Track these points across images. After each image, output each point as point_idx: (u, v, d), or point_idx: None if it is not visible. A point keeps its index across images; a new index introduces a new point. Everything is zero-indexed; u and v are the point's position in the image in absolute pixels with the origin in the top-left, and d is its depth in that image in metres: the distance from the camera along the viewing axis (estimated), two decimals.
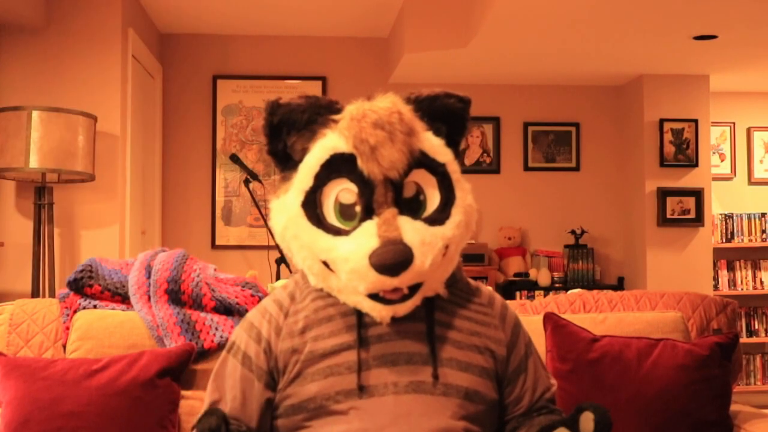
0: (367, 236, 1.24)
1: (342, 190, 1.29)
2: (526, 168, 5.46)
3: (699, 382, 1.88)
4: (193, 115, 5.22)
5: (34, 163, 3.39)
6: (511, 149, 5.46)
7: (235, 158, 4.82)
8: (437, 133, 1.36)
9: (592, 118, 5.53)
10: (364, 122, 1.26)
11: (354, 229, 1.26)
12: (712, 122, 5.37)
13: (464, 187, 1.36)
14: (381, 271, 1.21)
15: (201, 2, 4.58)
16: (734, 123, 5.77)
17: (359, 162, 1.26)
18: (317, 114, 1.33)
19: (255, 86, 5.24)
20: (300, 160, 1.32)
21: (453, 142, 1.39)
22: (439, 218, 1.30)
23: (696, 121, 5.17)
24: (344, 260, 1.25)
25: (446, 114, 1.39)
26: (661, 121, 5.15)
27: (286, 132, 1.34)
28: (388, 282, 1.23)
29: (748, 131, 5.80)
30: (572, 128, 5.49)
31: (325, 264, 1.30)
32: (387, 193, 1.26)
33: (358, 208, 1.28)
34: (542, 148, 5.48)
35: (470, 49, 4.40)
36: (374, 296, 1.27)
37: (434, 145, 1.34)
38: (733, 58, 4.72)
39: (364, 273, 1.23)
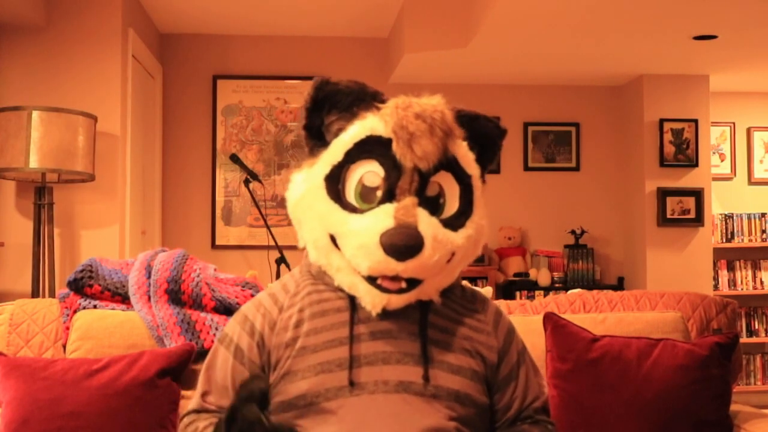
0: (383, 216, 1.25)
1: (368, 172, 1.30)
2: (526, 168, 5.46)
3: (699, 382, 1.88)
4: (193, 115, 5.22)
5: (34, 163, 3.39)
6: (511, 149, 5.46)
7: (235, 158, 4.82)
8: (470, 149, 1.38)
9: (592, 118, 5.53)
10: (408, 111, 1.29)
11: (370, 210, 1.28)
12: (712, 122, 5.37)
13: (482, 208, 1.38)
14: (390, 251, 1.22)
15: (201, 2, 4.58)
16: (734, 123, 5.77)
17: (394, 146, 1.28)
18: (361, 100, 1.35)
19: (255, 86, 5.24)
20: (332, 140, 1.34)
21: (480, 164, 1.41)
22: (453, 224, 1.31)
23: (696, 121, 5.17)
24: (355, 234, 1.26)
25: (482, 136, 1.42)
26: (661, 121, 5.15)
27: (327, 110, 1.36)
28: (392, 265, 1.24)
29: (748, 131, 5.80)
30: (572, 128, 5.49)
31: (333, 240, 1.30)
32: (412, 183, 1.28)
33: (379, 193, 1.29)
34: (542, 148, 5.48)
35: (470, 49, 4.40)
36: (372, 281, 1.27)
37: (467, 155, 1.36)
38: (733, 58, 4.72)
39: (372, 250, 1.24)
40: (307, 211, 1.34)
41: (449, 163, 1.32)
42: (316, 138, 1.38)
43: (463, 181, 1.35)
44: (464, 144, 1.36)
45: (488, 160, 1.45)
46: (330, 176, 1.32)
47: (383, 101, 1.35)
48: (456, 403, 1.30)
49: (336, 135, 1.34)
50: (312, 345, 1.31)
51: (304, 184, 1.35)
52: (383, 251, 1.23)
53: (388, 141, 1.29)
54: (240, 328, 1.38)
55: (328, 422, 1.26)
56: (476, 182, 1.37)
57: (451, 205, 1.33)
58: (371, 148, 1.30)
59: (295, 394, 1.29)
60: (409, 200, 1.26)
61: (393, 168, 1.28)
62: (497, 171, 5.42)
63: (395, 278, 1.27)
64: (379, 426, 1.24)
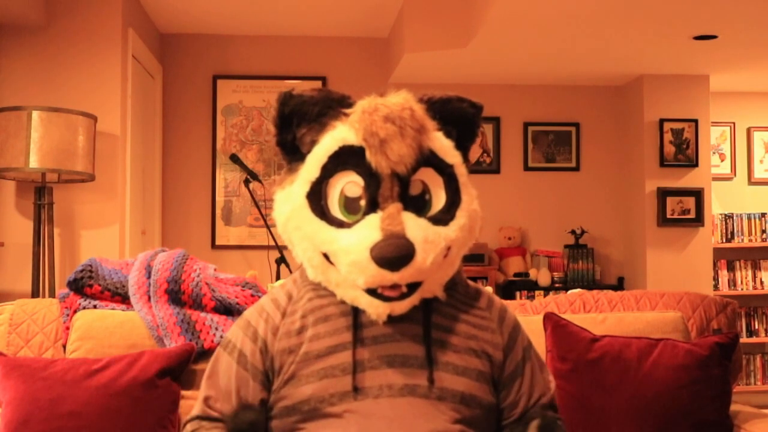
0: (369, 229, 1.23)
1: (348, 183, 1.28)
2: (526, 168, 5.46)
3: (699, 382, 1.88)
4: (193, 115, 5.22)
5: (34, 163, 3.39)
6: (511, 149, 5.46)
7: (235, 158, 4.82)
8: (448, 135, 1.36)
9: (592, 118, 5.53)
10: (375, 116, 1.26)
11: (357, 222, 1.26)
12: (712, 122, 5.37)
13: (470, 192, 1.35)
14: (381, 264, 1.21)
15: (201, 2, 4.58)
16: (734, 123, 5.77)
17: (368, 154, 1.26)
18: (329, 107, 1.32)
19: (255, 86, 5.24)
20: (308, 153, 1.32)
21: (462, 147, 1.38)
22: (443, 219, 1.29)
23: (696, 121, 5.17)
24: (345, 252, 1.24)
25: (457, 118, 1.40)
26: (661, 121, 5.15)
27: (296, 123, 1.34)
28: (387, 276, 1.22)
29: (748, 131, 5.80)
30: (572, 128, 5.49)
31: (326, 257, 1.29)
32: (393, 188, 1.26)
33: (362, 202, 1.27)
34: (542, 148, 5.48)
35: (470, 49, 4.40)
36: (372, 292, 1.26)
37: (444, 146, 1.33)
38: (733, 58, 4.72)
39: (364, 266, 1.22)
40: (295, 232, 1.32)
41: (427, 159, 1.29)
42: (292, 152, 1.36)
43: (445, 171, 1.32)
44: (439, 134, 1.34)
45: (470, 141, 1.42)
46: (311, 194, 1.29)
47: (350, 105, 1.33)
48: (462, 404, 1.29)
49: (310, 147, 1.32)
50: (315, 350, 1.30)
51: (287, 203, 1.33)
52: (376, 265, 1.21)
53: (361, 149, 1.26)
54: (243, 334, 1.37)
55: (333, 427, 1.25)
56: (459, 169, 1.34)
57: (438, 199, 1.31)
58: (346, 159, 1.28)
59: (299, 399, 1.28)
60: (393, 207, 1.24)
61: (371, 176, 1.26)
62: (497, 171, 5.42)
63: (395, 286, 1.25)
64: (384, 431, 1.24)
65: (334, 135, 1.29)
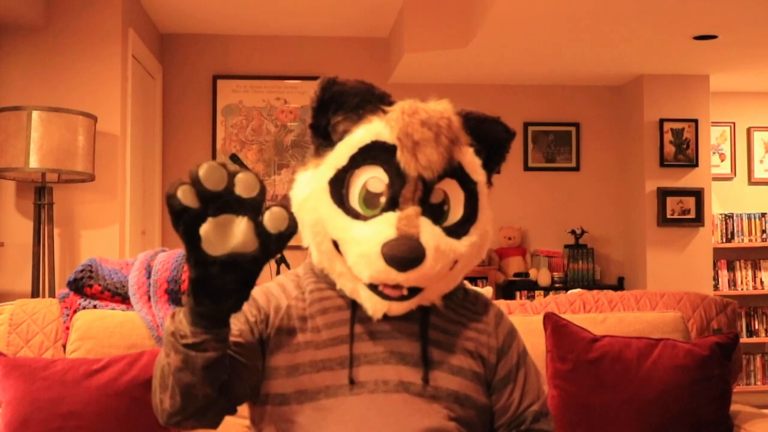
0: (385, 225, 1.24)
1: (372, 178, 1.29)
2: (526, 168, 5.47)
3: (699, 382, 1.88)
4: (193, 115, 5.22)
5: (34, 163, 3.39)
6: (511, 149, 5.42)
7: (235, 158, 4.81)
8: (477, 154, 1.37)
9: (592, 118, 5.53)
10: (414, 118, 1.28)
11: (373, 217, 1.27)
12: (712, 122, 5.37)
13: (487, 213, 1.37)
14: (390, 262, 1.21)
15: (201, 2, 4.58)
16: (734, 123, 5.77)
17: (398, 154, 1.27)
18: (368, 101, 1.34)
19: (255, 86, 5.24)
20: (338, 141, 1.33)
21: (488, 168, 1.40)
22: (456, 232, 1.30)
23: (696, 121, 5.17)
24: (356, 242, 1.25)
25: (490, 139, 1.42)
26: (661, 121, 5.15)
27: (333, 110, 1.35)
28: (393, 275, 1.23)
29: (748, 131, 5.80)
30: (572, 128, 5.49)
31: (335, 245, 1.30)
32: (416, 191, 1.27)
33: (383, 199, 1.28)
34: (542, 148, 5.48)
35: (470, 49, 4.40)
36: (374, 288, 1.27)
37: (472, 162, 1.35)
38: (733, 58, 4.72)
39: (372, 260, 1.23)
40: (310, 213, 1.33)
41: (454, 171, 1.31)
42: (322, 137, 1.37)
43: (468, 187, 1.34)
44: (470, 150, 1.36)
45: (496, 163, 1.45)
46: (334, 180, 1.30)
47: (391, 103, 1.34)
48: (456, 404, 1.30)
49: (341, 136, 1.33)
50: (313, 342, 1.31)
51: (308, 185, 1.34)
52: (384, 261, 1.22)
53: (393, 147, 1.28)
54: (246, 306, 1.33)
55: (328, 420, 1.26)
56: (482, 188, 1.37)
57: (456, 212, 1.32)
58: (376, 153, 1.29)
59: (295, 389, 1.29)
60: (412, 210, 1.25)
61: (397, 175, 1.27)
62: (497, 171, 5.40)
63: (397, 286, 1.26)
64: (379, 425, 1.24)
65: (369, 128, 1.31)
